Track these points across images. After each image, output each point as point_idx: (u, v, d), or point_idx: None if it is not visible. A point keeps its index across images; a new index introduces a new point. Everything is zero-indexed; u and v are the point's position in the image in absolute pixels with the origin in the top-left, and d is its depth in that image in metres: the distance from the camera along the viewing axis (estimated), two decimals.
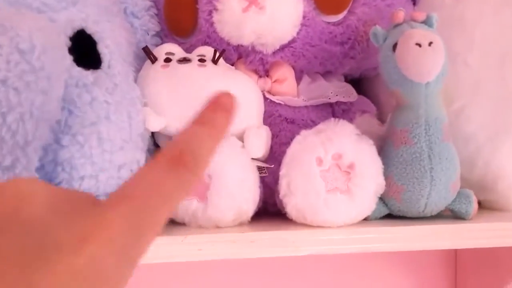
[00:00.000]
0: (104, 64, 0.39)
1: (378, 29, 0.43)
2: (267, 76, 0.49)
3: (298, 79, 0.50)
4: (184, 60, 0.43)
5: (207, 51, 0.45)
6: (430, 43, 0.39)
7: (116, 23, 0.43)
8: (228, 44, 0.47)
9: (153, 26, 0.50)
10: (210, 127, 0.21)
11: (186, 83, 0.42)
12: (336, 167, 0.41)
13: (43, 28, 0.32)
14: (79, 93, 0.36)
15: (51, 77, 0.31)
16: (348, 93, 0.52)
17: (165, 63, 0.43)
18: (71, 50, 0.36)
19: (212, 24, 0.47)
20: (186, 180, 0.19)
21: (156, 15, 0.51)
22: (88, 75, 0.37)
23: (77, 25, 0.38)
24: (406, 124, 0.42)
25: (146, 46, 0.43)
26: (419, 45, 0.39)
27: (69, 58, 0.35)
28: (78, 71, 0.36)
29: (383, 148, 0.45)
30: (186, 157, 0.19)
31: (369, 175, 0.41)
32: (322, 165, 0.41)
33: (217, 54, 0.44)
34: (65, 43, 0.35)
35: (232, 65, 0.49)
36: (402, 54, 0.40)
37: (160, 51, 0.45)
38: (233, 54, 0.48)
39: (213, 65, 0.44)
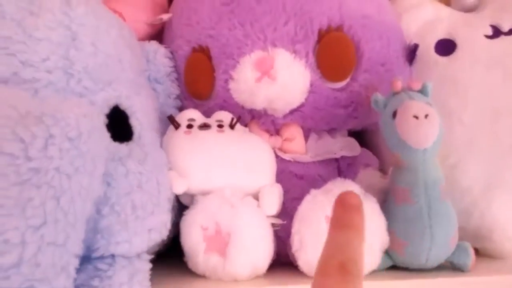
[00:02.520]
0: (136, 136, 0.44)
1: (379, 96, 0.48)
2: (278, 134, 0.54)
3: (306, 136, 0.55)
4: (204, 126, 0.48)
5: (225, 116, 0.50)
6: (426, 115, 0.43)
7: (143, 94, 0.47)
8: (243, 107, 0.52)
9: (174, 90, 0.55)
10: (354, 230, 0.22)
11: (207, 148, 0.47)
12: None
13: (87, 114, 0.36)
14: (116, 166, 0.40)
15: (95, 159, 0.36)
16: (352, 148, 0.56)
17: (187, 129, 0.48)
18: (108, 127, 0.41)
19: (228, 90, 0.51)
20: (357, 286, 0.21)
21: (177, 79, 0.56)
22: (122, 148, 0.42)
23: (112, 102, 0.42)
24: (406, 184, 0.46)
25: (171, 115, 0.47)
26: (416, 117, 0.43)
27: (107, 136, 0.40)
28: (114, 146, 0.41)
29: (386, 202, 0.49)
30: (350, 267, 0.21)
31: (374, 232, 0.45)
32: None
33: (234, 121, 0.49)
34: (104, 122, 0.40)
35: (246, 125, 0.53)
36: (401, 124, 0.44)
37: (182, 118, 0.49)
38: (247, 116, 0.53)
39: (230, 130, 0.49)
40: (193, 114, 0.50)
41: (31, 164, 0.32)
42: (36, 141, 0.33)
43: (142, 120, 0.45)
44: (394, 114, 0.46)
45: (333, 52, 0.50)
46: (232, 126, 0.49)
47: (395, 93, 0.48)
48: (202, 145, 0.47)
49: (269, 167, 0.50)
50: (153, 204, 0.42)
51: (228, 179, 0.47)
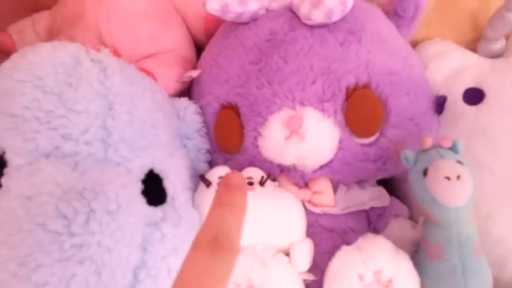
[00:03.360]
0: (169, 198, 0.45)
1: (409, 153, 0.48)
2: (307, 187, 0.54)
3: (335, 187, 0.55)
4: None
5: (255, 173, 0.51)
6: (458, 177, 0.43)
7: (176, 155, 0.49)
8: (271, 163, 0.53)
9: (204, 145, 0.56)
10: (232, 207, 0.24)
11: None
12: (377, 283, 0.45)
13: (124, 184, 0.38)
14: (151, 231, 0.41)
15: (133, 229, 0.37)
16: (381, 198, 0.56)
17: None
18: (144, 192, 0.42)
19: (257, 147, 0.52)
20: (228, 261, 0.22)
21: (206, 133, 0.58)
22: (157, 212, 0.43)
23: (147, 167, 0.44)
24: (438, 240, 0.46)
25: (202, 174, 0.49)
26: (448, 178, 0.43)
27: (143, 202, 0.41)
28: (150, 211, 0.42)
29: (418, 255, 0.48)
30: (222, 241, 0.22)
31: None
32: (363, 281, 0.45)
33: (264, 178, 0.50)
34: (140, 189, 0.41)
35: (275, 179, 0.54)
36: (432, 184, 0.44)
37: (213, 175, 0.50)
38: (275, 170, 0.53)
39: (261, 187, 0.49)
40: (223, 171, 0.51)
41: (74, 240, 0.33)
42: (78, 217, 0.34)
43: (175, 182, 0.46)
44: (425, 172, 0.46)
45: (361, 110, 0.50)
46: (262, 183, 0.50)
47: (425, 150, 0.48)
48: None
49: (299, 223, 0.51)
50: None
51: (259, 236, 0.48)
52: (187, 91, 0.62)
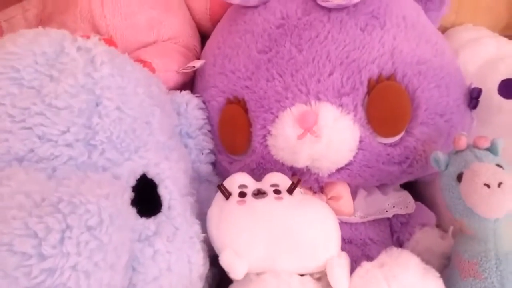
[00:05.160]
0: (164, 207, 0.40)
1: (440, 155, 0.42)
2: (322, 192, 0.48)
3: (354, 193, 0.49)
4: (259, 194, 0.42)
5: (280, 180, 0.44)
6: (499, 184, 0.37)
7: (174, 157, 0.43)
8: (283, 165, 0.47)
9: (207, 144, 0.51)
10: None
11: (267, 221, 0.41)
12: None
13: (109, 195, 0.33)
14: (142, 248, 0.36)
15: (118, 248, 0.32)
16: (405, 204, 0.50)
17: (240, 199, 0.42)
18: (134, 201, 0.37)
19: (266, 146, 0.47)
20: None
21: (209, 131, 0.52)
22: (150, 224, 0.37)
23: (139, 172, 0.38)
24: (473, 256, 0.40)
25: (221, 184, 0.42)
26: (488, 185, 0.37)
27: (133, 213, 0.36)
28: (141, 223, 0.37)
29: (449, 272, 0.43)
30: None
31: None
32: None
33: (293, 185, 0.43)
34: (130, 198, 0.36)
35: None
36: (469, 191, 0.38)
37: (233, 185, 0.44)
38: (287, 172, 0.47)
39: (289, 195, 0.43)
40: (244, 179, 0.44)
41: (45, 264, 0.28)
42: (50, 235, 0.29)
43: (171, 188, 0.41)
44: (459, 177, 0.40)
45: (385, 104, 0.45)
46: (291, 191, 0.43)
47: (459, 151, 0.42)
48: (261, 218, 0.41)
49: (335, 236, 0.43)
50: (183, 286, 0.37)
51: (292, 256, 0.41)
52: (189, 83, 0.57)
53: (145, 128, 0.40)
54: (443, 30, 0.59)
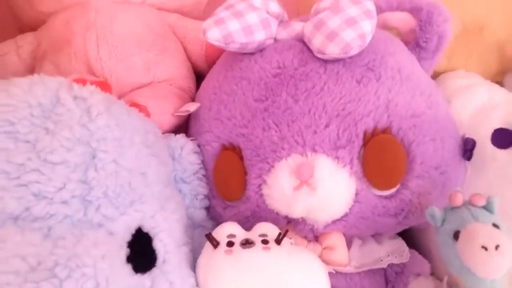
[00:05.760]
0: (159, 261, 0.39)
1: (435, 211, 0.42)
2: (317, 241, 0.48)
3: (348, 242, 0.49)
4: (247, 243, 0.42)
5: (269, 230, 0.44)
6: (497, 247, 0.37)
7: (169, 207, 0.43)
8: (278, 214, 0.46)
9: (202, 189, 0.50)
10: None
11: (252, 271, 0.40)
12: None
13: (105, 255, 0.32)
14: None
15: None
16: (400, 252, 0.50)
17: (228, 248, 0.41)
18: (130, 258, 0.36)
19: (261, 196, 0.46)
20: None
21: (204, 176, 0.51)
22: (145, 280, 0.37)
23: (134, 226, 0.38)
24: None
25: (210, 233, 0.42)
26: (485, 248, 0.37)
27: (128, 270, 0.35)
28: (135, 280, 0.36)
29: None
30: None
31: None
32: None
33: (280, 235, 0.42)
34: (125, 256, 0.35)
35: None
36: (466, 253, 0.38)
37: (221, 234, 0.43)
38: (282, 221, 0.47)
39: (277, 246, 0.42)
40: (232, 228, 0.44)
41: None
42: None
43: (166, 241, 0.40)
44: (456, 235, 0.40)
45: (380, 157, 0.44)
46: (279, 242, 0.43)
47: (455, 207, 0.42)
48: (247, 268, 0.40)
49: None
50: None
51: None
52: (184, 125, 0.56)
53: (141, 180, 0.40)
54: (435, 75, 0.59)
